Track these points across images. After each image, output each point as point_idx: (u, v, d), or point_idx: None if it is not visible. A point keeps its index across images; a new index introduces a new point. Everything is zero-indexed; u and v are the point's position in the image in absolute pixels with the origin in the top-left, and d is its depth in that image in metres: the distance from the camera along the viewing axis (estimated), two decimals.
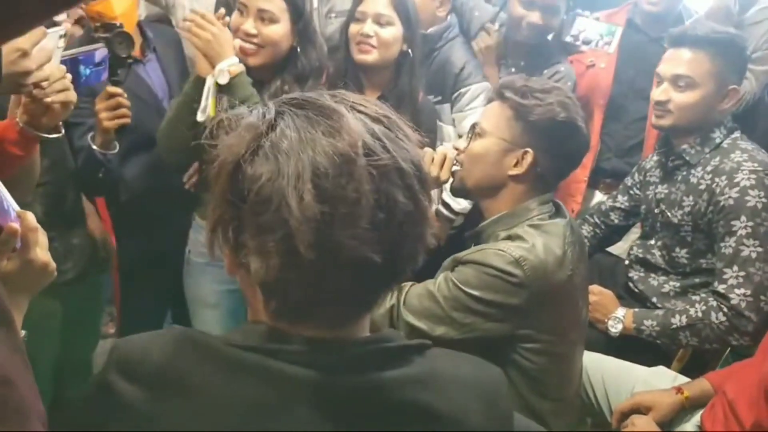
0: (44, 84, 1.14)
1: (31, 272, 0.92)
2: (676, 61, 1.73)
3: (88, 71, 1.26)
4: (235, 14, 1.66)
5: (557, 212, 1.43)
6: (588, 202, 2.43)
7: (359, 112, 0.65)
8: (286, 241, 0.59)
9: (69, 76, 1.20)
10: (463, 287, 1.29)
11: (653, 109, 1.82)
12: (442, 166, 1.50)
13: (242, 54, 1.63)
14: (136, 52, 1.86)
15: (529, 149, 1.35)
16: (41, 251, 0.93)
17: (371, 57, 1.82)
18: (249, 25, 1.62)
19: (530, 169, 1.36)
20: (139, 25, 1.87)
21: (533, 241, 1.30)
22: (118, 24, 1.52)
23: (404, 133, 0.66)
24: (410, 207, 0.63)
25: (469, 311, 1.29)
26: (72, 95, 1.21)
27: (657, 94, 1.77)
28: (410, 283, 1.41)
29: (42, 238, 0.93)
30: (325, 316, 0.66)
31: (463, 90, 2.13)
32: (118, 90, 1.57)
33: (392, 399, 0.65)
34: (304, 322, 0.66)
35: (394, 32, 1.82)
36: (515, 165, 1.37)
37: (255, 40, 1.64)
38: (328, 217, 0.59)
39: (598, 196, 2.41)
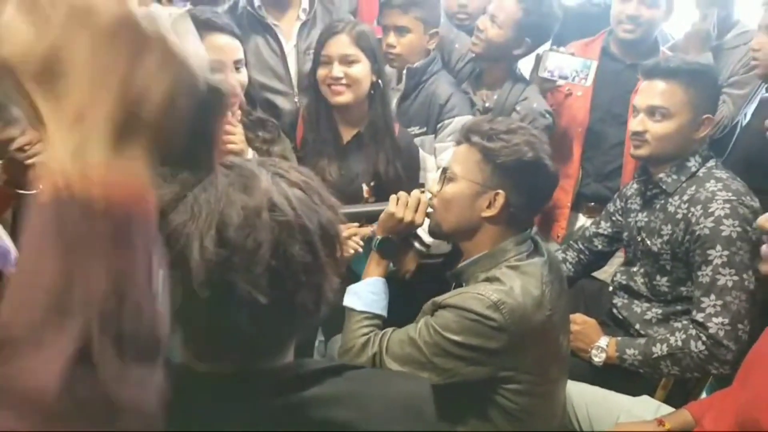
0: (26, 147, 1.16)
1: None
2: (651, 93, 1.76)
3: None
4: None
5: (535, 250, 1.45)
6: (572, 226, 2.46)
7: (280, 176, 0.72)
8: (186, 278, 0.65)
9: None
10: (443, 332, 1.31)
11: (630, 140, 1.84)
12: (416, 209, 1.52)
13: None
14: None
15: (500, 191, 1.38)
16: None
17: (345, 98, 1.85)
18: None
19: (503, 209, 1.39)
20: None
21: (511, 283, 1.32)
22: None
23: (320, 197, 0.73)
24: (308, 259, 0.69)
25: (451, 356, 1.31)
26: None
27: (634, 125, 1.79)
28: (392, 329, 1.42)
29: None
30: (231, 357, 0.72)
31: (446, 121, 2.15)
32: None
33: (308, 418, 0.69)
34: (213, 361, 0.72)
35: (362, 68, 1.85)
36: (488, 207, 1.39)
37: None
38: (225, 261, 0.65)
39: (582, 219, 2.44)
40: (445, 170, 1.47)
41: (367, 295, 1.51)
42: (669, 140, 1.75)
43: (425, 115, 2.16)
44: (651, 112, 1.75)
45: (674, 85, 1.73)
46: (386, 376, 0.78)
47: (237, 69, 1.69)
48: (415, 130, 2.16)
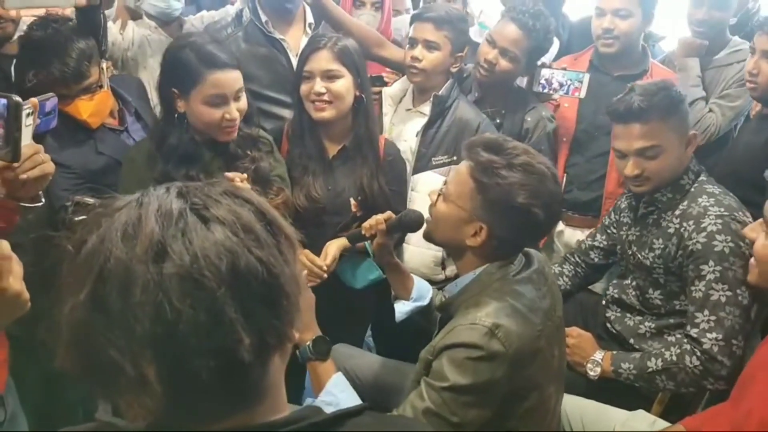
0: (14, 165, 1.16)
1: (4, 302, 0.90)
2: (633, 137, 1.73)
3: (39, 120, 1.29)
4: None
5: (527, 261, 1.43)
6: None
7: (197, 212, 0.64)
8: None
9: (41, 147, 1.20)
10: (448, 381, 1.26)
11: (629, 182, 1.81)
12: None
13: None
14: (114, 122, 1.91)
15: (484, 225, 1.35)
16: (14, 280, 0.90)
17: (328, 113, 1.87)
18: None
19: (486, 242, 1.37)
20: (116, 93, 1.92)
21: (499, 303, 1.31)
22: None
23: (258, 236, 0.65)
24: (203, 318, 0.61)
25: (467, 405, 1.26)
26: (48, 167, 1.21)
27: (628, 170, 1.75)
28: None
29: (16, 267, 0.91)
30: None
31: None
32: None
33: None
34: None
35: (344, 83, 1.86)
36: (473, 235, 1.37)
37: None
38: (98, 324, 0.61)
39: (560, 225, 2.48)
40: (445, 183, 1.48)
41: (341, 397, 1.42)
42: (666, 171, 1.75)
43: (455, 144, 2.10)
44: (641, 153, 1.73)
45: (652, 122, 1.71)
46: (384, 420, 0.74)
47: (238, 98, 1.72)
48: (443, 159, 2.13)
